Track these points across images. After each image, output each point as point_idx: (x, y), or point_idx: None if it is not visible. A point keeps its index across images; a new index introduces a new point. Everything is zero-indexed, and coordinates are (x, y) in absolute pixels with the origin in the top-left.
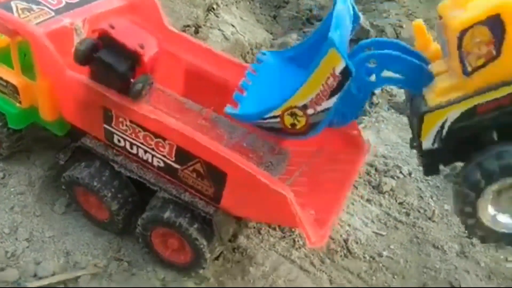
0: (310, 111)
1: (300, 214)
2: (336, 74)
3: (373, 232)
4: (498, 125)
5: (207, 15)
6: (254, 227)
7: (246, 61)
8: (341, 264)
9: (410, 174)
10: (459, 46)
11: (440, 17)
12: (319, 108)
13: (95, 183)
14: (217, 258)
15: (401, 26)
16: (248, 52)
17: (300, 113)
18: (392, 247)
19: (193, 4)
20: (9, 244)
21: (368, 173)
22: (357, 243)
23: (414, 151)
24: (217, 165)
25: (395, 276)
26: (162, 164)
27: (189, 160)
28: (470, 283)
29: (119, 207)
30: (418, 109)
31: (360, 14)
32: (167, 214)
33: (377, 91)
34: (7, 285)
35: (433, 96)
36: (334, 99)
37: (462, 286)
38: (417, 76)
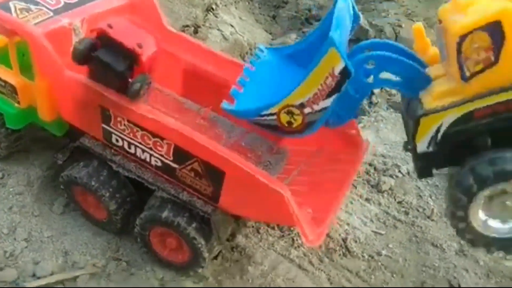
0: (307, 110)
1: (297, 213)
2: (335, 74)
3: (372, 231)
4: (493, 131)
5: (206, 15)
6: (253, 226)
7: (245, 61)
8: (340, 263)
9: (409, 173)
10: (458, 51)
11: (440, 21)
12: (316, 107)
13: (93, 183)
14: (215, 257)
15: (400, 26)
16: (247, 52)
17: (297, 111)
18: (391, 246)
19: (192, 4)
20: (7, 244)
21: (367, 172)
22: (356, 242)
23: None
24: (215, 164)
25: (394, 275)
26: (160, 164)
27: (187, 159)
28: (469, 282)
29: (117, 207)
30: (415, 112)
31: (360, 13)
32: (165, 214)
33: (376, 90)
34: (6, 285)
35: (430, 99)
36: (331, 99)
37: (460, 284)
38: (414, 79)
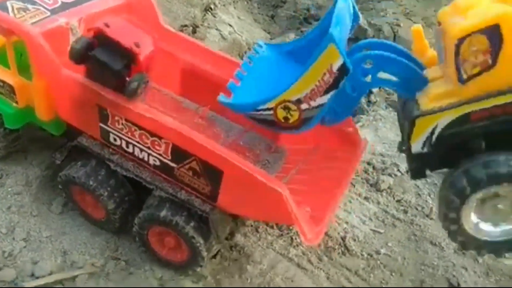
0: (304, 106)
1: (295, 211)
2: (333, 70)
3: (371, 229)
4: (488, 134)
5: (205, 15)
6: (252, 225)
7: (243, 60)
8: (339, 262)
9: (407, 172)
10: (457, 53)
11: (439, 23)
12: (313, 104)
13: (91, 182)
14: (214, 257)
15: (398, 25)
16: (245, 52)
17: (293, 107)
18: (389, 244)
19: (191, 4)
20: (6, 244)
21: (365, 171)
22: (354, 240)
23: None
24: (213, 163)
25: (393, 274)
26: (158, 163)
27: (185, 158)
28: (468, 280)
29: (116, 206)
30: (411, 113)
31: (359, 13)
32: (163, 213)
33: (375, 89)
34: (5, 284)
35: (426, 100)
36: (328, 96)
37: (460, 282)
38: (411, 79)
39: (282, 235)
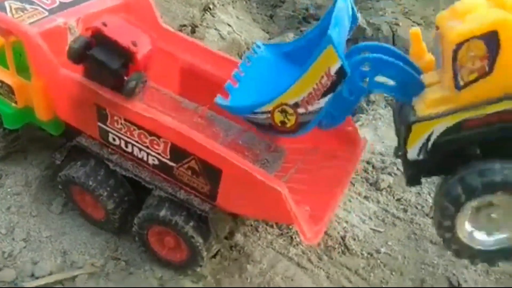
0: (301, 110)
1: (295, 210)
2: (331, 73)
3: (371, 228)
4: (484, 141)
5: (204, 14)
6: (251, 225)
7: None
8: (339, 261)
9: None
10: (454, 59)
11: (437, 28)
12: (310, 108)
13: (90, 182)
14: (214, 256)
15: (397, 24)
16: (244, 52)
17: (290, 111)
18: (390, 243)
19: (189, 3)
20: (6, 245)
21: (365, 170)
22: (354, 239)
23: None
24: (212, 162)
25: (393, 273)
26: (157, 162)
27: (184, 157)
28: (468, 279)
29: (115, 206)
30: (407, 118)
31: (358, 15)
32: (163, 213)
33: None
34: (4, 285)
35: (423, 106)
36: (326, 99)
37: (460, 281)
38: (408, 84)
39: (282, 234)
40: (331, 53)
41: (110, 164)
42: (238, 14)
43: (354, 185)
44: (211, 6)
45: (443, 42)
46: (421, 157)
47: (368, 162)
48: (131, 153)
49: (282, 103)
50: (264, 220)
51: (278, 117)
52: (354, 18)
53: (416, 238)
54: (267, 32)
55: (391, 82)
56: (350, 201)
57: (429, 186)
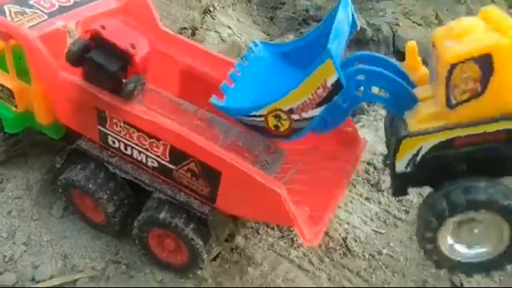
0: (295, 116)
1: (294, 212)
2: (327, 85)
3: (372, 230)
4: (471, 159)
5: (204, 17)
6: (252, 227)
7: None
8: (340, 263)
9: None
10: (448, 78)
11: (433, 45)
12: (304, 115)
13: (90, 185)
14: (215, 259)
15: (397, 25)
16: None
17: (284, 116)
18: (391, 244)
19: (189, 6)
20: (7, 249)
21: (366, 171)
22: (356, 241)
23: None
24: (211, 164)
25: (395, 274)
26: (156, 165)
27: (183, 159)
28: (471, 279)
29: (115, 209)
30: (398, 132)
31: (358, 22)
32: (162, 215)
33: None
34: None
35: (414, 121)
36: (320, 109)
37: (462, 282)
38: (401, 97)
39: (282, 236)
40: (329, 66)
41: (110, 167)
42: (238, 16)
43: (355, 186)
44: (211, 9)
45: (439, 61)
46: (408, 170)
47: (369, 163)
48: (131, 156)
49: (277, 108)
50: (264, 222)
51: (271, 122)
52: (353, 23)
53: None
54: (268, 34)
55: (384, 94)
56: (351, 202)
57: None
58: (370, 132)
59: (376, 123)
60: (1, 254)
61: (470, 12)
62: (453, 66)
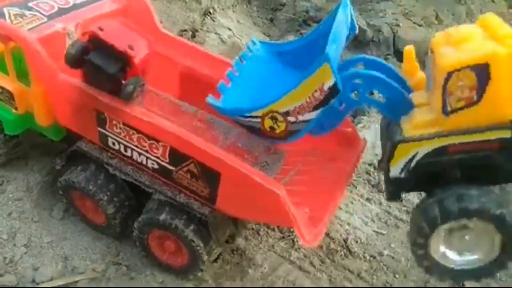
0: (291, 118)
1: (293, 213)
2: (324, 89)
3: (374, 231)
4: (465, 166)
5: (204, 19)
6: (253, 228)
7: None
8: (341, 264)
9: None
10: (444, 86)
11: (431, 50)
12: (300, 118)
13: (90, 187)
14: (215, 260)
15: (398, 25)
16: None
17: (281, 118)
18: (393, 245)
19: (189, 8)
20: (7, 250)
21: (367, 172)
22: (357, 242)
23: None
24: (210, 166)
25: (396, 275)
26: (156, 166)
27: (183, 161)
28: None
29: (115, 211)
30: (393, 137)
31: (356, 26)
32: (162, 216)
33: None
34: None
35: (409, 127)
36: (317, 112)
37: (464, 282)
38: (398, 102)
39: (283, 237)
40: (327, 70)
41: (110, 169)
42: (239, 18)
43: (356, 187)
44: (211, 11)
45: (436, 67)
46: (403, 175)
47: (370, 164)
48: (131, 157)
49: (273, 110)
50: (263, 222)
51: (267, 123)
52: (352, 27)
53: None
54: (268, 36)
55: (381, 99)
56: (352, 203)
57: None
58: (371, 133)
59: (377, 123)
60: (2, 256)
61: (470, 13)
62: (450, 74)
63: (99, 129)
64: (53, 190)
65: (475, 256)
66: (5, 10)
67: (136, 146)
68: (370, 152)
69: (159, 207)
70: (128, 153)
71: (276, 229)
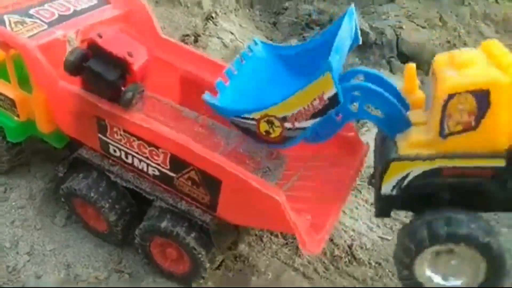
0: (287, 124)
1: (294, 219)
2: (323, 98)
3: (379, 236)
4: (457, 190)
5: (206, 24)
6: (256, 235)
7: None
8: (346, 271)
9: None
10: (444, 108)
11: (433, 71)
12: (297, 125)
13: (92, 194)
14: (218, 267)
15: (401, 28)
16: None
17: (277, 123)
18: None
19: (192, 13)
20: (10, 259)
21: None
22: (362, 248)
23: None
24: (211, 173)
25: None
26: (157, 173)
27: (184, 168)
28: None
29: (117, 218)
30: (388, 153)
31: (360, 37)
32: (164, 224)
33: None
34: None
35: (405, 145)
36: (313, 121)
37: None
38: (395, 119)
39: (287, 244)
40: (328, 79)
41: (111, 176)
42: (241, 22)
43: (360, 191)
44: (213, 15)
45: (436, 88)
46: (394, 193)
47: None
48: (132, 164)
49: (270, 114)
50: (264, 229)
51: (263, 127)
52: (356, 37)
53: None
54: (271, 39)
55: (379, 114)
56: (357, 208)
57: None
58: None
59: None
60: (5, 265)
61: (474, 14)
62: (451, 96)
63: (100, 136)
64: (55, 197)
65: (459, 282)
66: (5, 17)
67: (137, 153)
68: (370, 154)
69: (161, 214)
70: (129, 160)
71: (279, 236)
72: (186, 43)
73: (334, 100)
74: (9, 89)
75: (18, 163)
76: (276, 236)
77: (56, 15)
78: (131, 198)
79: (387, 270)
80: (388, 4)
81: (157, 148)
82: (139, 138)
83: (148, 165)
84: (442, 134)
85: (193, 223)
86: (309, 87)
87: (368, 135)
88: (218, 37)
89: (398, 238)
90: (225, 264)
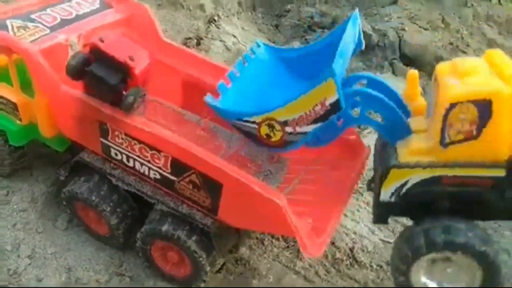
0: (288, 129)
1: (295, 223)
2: (325, 104)
3: (380, 239)
4: (456, 199)
5: (208, 27)
6: (257, 238)
7: None
8: (347, 274)
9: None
10: (445, 117)
11: (436, 79)
12: (298, 129)
13: (93, 198)
14: (219, 271)
15: (403, 29)
16: None
17: (278, 127)
18: None
19: (194, 16)
20: (11, 262)
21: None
22: (363, 251)
23: None
24: (212, 176)
25: None
26: (158, 176)
27: (185, 171)
28: None
29: (119, 222)
30: (388, 160)
31: (363, 41)
32: (165, 227)
33: None
34: None
35: (405, 152)
36: (315, 126)
37: None
38: (396, 126)
39: (288, 247)
40: (331, 85)
41: (113, 179)
42: (243, 24)
43: (362, 194)
44: (216, 18)
45: (438, 97)
46: (393, 199)
47: None
48: (133, 168)
49: (272, 118)
50: (265, 232)
51: (264, 130)
52: (359, 42)
53: None
54: (273, 42)
55: (380, 120)
56: (358, 211)
57: None
58: None
59: None
60: (6, 268)
61: (477, 15)
62: (453, 105)
63: (102, 139)
64: (57, 201)
65: None
66: (8, 22)
67: (138, 157)
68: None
69: (162, 217)
70: (131, 164)
71: (280, 239)
72: (188, 46)
73: (336, 106)
74: (12, 93)
75: (20, 166)
76: (277, 239)
77: (58, 20)
78: (133, 202)
79: (388, 273)
80: (390, 6)
81: (159, 151)
82: (140, 142)
83: (149, 168)
84: (443, 143)
85: (194, 226)
86: (312, 92)
87: (370, 137)
88: (221, 40)
89: (395, 244)
90: (226, 267)
